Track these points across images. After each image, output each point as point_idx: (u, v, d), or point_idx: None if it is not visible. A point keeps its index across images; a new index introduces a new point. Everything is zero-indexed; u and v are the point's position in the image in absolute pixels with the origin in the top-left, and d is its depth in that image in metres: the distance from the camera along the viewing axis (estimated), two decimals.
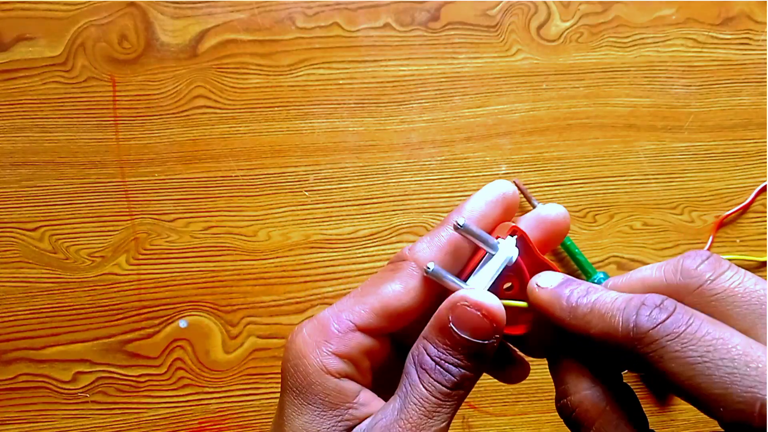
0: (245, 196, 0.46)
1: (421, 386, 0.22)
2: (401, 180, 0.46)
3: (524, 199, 0.46)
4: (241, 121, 0.46)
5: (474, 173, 0.47)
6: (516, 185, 0.46)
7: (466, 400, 0.47)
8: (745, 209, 0.47)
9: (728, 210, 0.47)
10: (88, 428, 0.44)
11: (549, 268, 0.24)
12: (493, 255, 0.23)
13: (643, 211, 0.47)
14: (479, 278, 0.23)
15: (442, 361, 0.22)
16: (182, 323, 0.45)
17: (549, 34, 0.48)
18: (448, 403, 0.22)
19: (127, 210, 0.45)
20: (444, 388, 0.22)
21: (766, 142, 0.48)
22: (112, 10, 0.46)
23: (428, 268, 0.22)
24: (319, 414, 0.22)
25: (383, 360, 0.24)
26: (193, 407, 0.44)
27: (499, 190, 0.24)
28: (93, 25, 0.46)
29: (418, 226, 0.46)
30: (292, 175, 0.46)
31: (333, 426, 0.22)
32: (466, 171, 0.47)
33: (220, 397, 0.44)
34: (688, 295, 0.21)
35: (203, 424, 0.44)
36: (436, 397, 0.22)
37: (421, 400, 0.22)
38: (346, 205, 0.46)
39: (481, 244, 0.23)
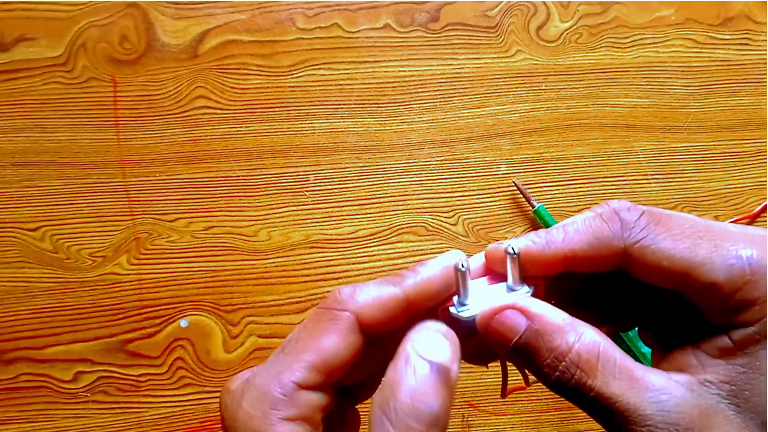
0: (246, 196, 0.46)
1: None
2: (401, 180, 0.46)
3: (524, 200, 0.46)
4: (241, 121, 0.46)
5: (474, 173, 0.47)
6: (515, 185, 0.46)
7: (465, 398, 0.47)
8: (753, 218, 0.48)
9: (733, 216, 0.47)
10: (88, 428, 0.44)
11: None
12: (512, 290, 0.22)
13: None
14: (482, 300, 0.22)
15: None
16: (183, 323, 0.45)
17: (548, 34, 0.48)
18: None
19: (128, 210, 0.45)
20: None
21: (765, 142, 0.48)
22: (112, 11, 0.46)
23: (462, 265, 0.21)
24: None
25: (331, 405, 0.23)
26: (193, 407, 0.44)
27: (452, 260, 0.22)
28: (94, 25, 0.46)
29: (418, 226, 0.46)
30: (293, 176, 0.46)
31: None
32: (466, 171, 0.47)
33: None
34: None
35: (204, 424, 0.44)
36: None
37: None
38: (347, 205, 0.46)
39: (510, 274, 0.22)
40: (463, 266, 0.21)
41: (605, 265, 0.22)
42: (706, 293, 0.20)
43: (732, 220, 0.47)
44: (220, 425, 0.47)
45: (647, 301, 0.25)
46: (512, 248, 0.22)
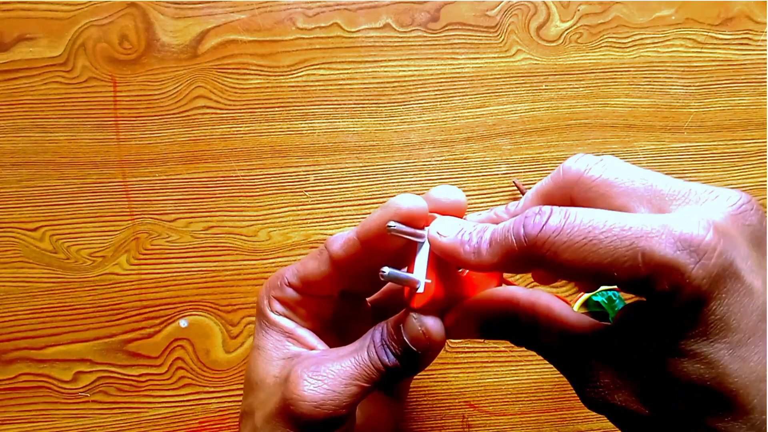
0: (246, 196, 0.46)
1: (365, 351, 0.28)
2: (401, 180, 0.46)
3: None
4: (241, 121, 0.46)
5: (474, 173, 0.47)
6: (515, 185, 0.46)
7: (465, 399, 0.47)
8: None
9: None
10: (88, 428, 0.44)
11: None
12: (422, 244, 0.27)
13: None
14: (418, 268, 0.27)
15: (386, 345, 0.28)
16: (183, 323, 0.45)
17: (549, 34, 0.48)
18: (376, 374, 0.28)
19: (128, 210, 0.45)
20: (379, 363, 0.28)
21: (766, 142, 0.48)
22: (112, 11, 0.46)
23: (383, 272, 0.26)
24: (265, 335, 0.31)
25: (321, 312, 0.32)
26: (193, 407, 0.44)
27: (395, 206, 0.27)
28: (93, 25, 0.46)
29: None
30: (293, 176, 0.46)
31: (274, 346, 0.31)
32: (466, 171, 0.47)
33: (220, 397, 0.44)
34: (574, 186, 0.25)
35: (203, 424, 0.44)
36: (371, 365, 0.28)
37: (361, 360, 0.28)
38: (347, 206, 0.46)
39: (412, 238, 0.27)
40: (392, 226, 0.26)
41: (524, 270, 0.25)
42: (617, 282, 0.22)
43: None
44: (219, 425, 0.48)
45: None
46: (388, 226, 0.26)
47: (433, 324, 0.27)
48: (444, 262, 0.27)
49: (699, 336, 0.21)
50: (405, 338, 0.27)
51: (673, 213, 0.23)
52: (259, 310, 0.32)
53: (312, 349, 0.31)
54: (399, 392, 0.36)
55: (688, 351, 0.22)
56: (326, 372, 0.27)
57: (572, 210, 0.22)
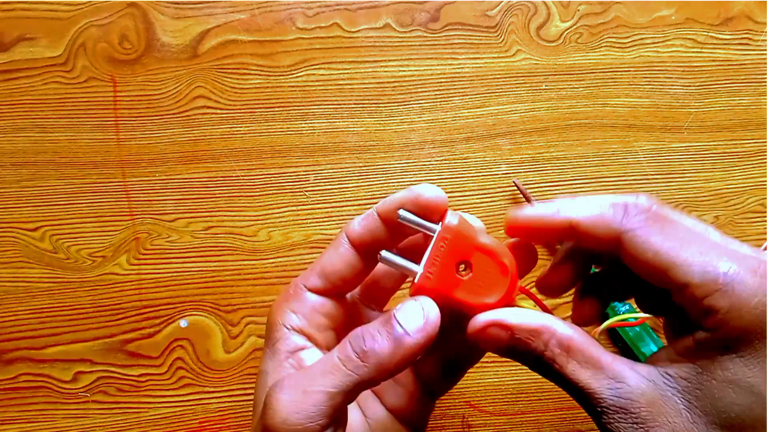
0: (246, 196, 0.46)
1: (333, 353, 0.26)
2: (401, 180, 0.46)
3: (524, 199, 0.46)
4: (241, 121, 0.46)
5: (474, 173, 0.47)
6: (515, 185, 0.46)
7: (465, 399, 0.47)
8: None
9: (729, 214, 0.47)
10: (88, 428, 0.44)
11: (484, 247, 0.27)
12: (433, 237, 0.27)
13: None
14: (424, 259, 0.27)
15: (365, 336, 0.26)
16: (183, 323, 0.45)
17: (549, 34, 0.48)
18: (347, 374, 0.26)
19: (128, 210, 0.45)
20: (354, 356, 0.26)
21: (766, 142, 0.48)
22: (112, 11, 0.46)
23: (381, 255, 0.26)
24: (270, 359, 0.29)
25: (341, 319, 0.30)
26: (193, 407, 0.44)
27: (417, 191, 0.27)
28: (93, 25, 0.46)
29: None
30: (293, 176, 0.46)
31: (274, 367, 0.28)
32: (466, 171, 0.47)
33: (220, 397, 0.44)
34: (641, 213, 0.25)
35: (203, 424, 0.44)
36: (343, 366, 0.26)
37: (328, 364, 0.26)
38: (347, 206, 0.46)
39: (421, 229, 0.27)
40: (401, 214, 0.27)
41: (602, 244, 0.25)
42: (682, 293, 0.23)
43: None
44: (219, 425, 0.47)
45: (646, 298, 0.28)
46: (399, 214, 0.27)
47: (428, 304, 0.26)
48: (449, 261, 0.27)
49: (739, 364, 0.22)
50: (396, 319, 0.26)
51: (729, 272, 0.23)
52: (269, 331, 0.29)
53: None
54: (419, 427, 0.34)
55: (731, 380, 0.22)
56: (290, 383, 0.26)
57: (675, 212, 0.24)
